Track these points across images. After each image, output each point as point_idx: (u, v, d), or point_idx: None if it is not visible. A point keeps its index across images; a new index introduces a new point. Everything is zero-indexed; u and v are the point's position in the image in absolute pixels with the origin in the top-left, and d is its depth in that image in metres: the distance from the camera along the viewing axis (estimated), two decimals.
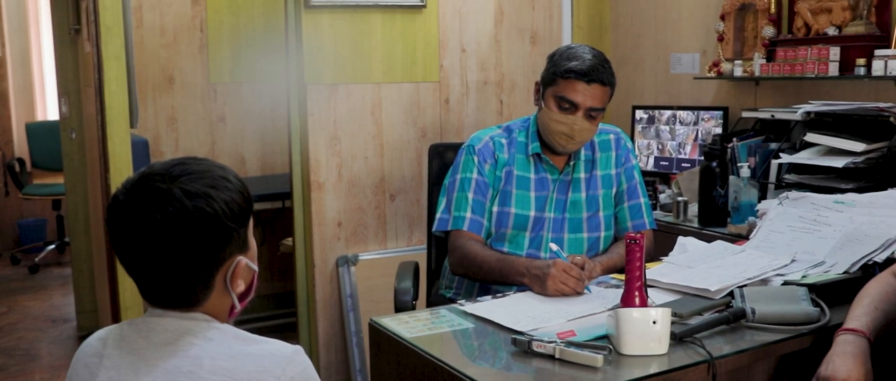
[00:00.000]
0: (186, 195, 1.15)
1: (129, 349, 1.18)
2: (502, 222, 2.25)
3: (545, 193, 2.26)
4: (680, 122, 3.29)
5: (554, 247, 1.99)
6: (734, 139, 2.85)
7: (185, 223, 1.14)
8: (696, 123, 3.24)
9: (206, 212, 1.15)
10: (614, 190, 2.32)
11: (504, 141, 2.30)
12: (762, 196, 2.66)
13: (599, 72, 2.12)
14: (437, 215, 2.30)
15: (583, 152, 2.28)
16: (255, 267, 1.28)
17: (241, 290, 1.25)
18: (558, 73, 2.15)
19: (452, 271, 2.29)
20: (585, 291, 1.89)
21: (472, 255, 2.18)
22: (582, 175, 2.29)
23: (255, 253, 1.28)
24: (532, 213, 2.25)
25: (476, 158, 2.27)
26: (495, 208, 2.26)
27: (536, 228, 2.25)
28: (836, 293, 1.74)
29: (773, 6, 2.96)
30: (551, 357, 1.49)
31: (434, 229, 2.32)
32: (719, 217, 2.72)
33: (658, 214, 3.00)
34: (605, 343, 1.51)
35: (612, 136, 2.35)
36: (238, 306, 1.26)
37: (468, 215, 2.23)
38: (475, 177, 2.25)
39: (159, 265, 1.16)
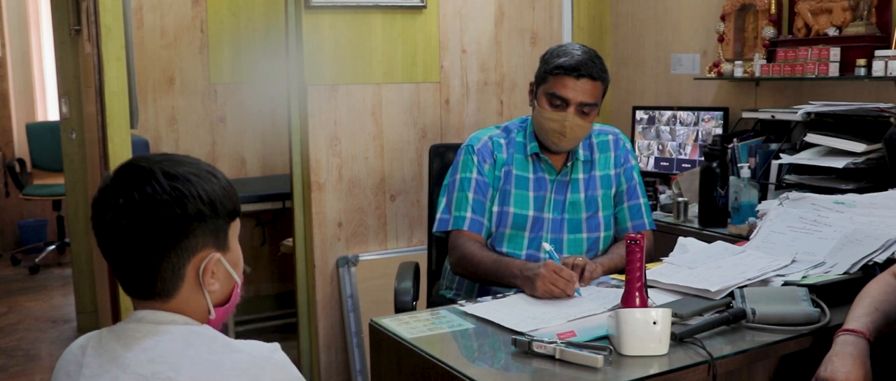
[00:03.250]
0: (166, 176, 1.16)
1: (108, 357, 1.18)
2: (501, 222, 2.26)
3: (543, 193, 2.26)
4: (680, 122, 3.29)
5: (547, 247, 1.98)
6: (734, 140, 2.85)
7: (159, 202, 1.15)
8: (696, 124, 3.24)
9: (183, 193, 1.16)
10: (614, 190, 2.32)
11: (503, 141, 2.30)
12: (762, 197, 2.66)
13: (588, 66, 2.13)
14: (438, 216, 2.30)
15: (581, 152, 2.28)
16: (237, 277, 1.26)
17: (216, 289, 1.23)
18: (548, 70, 2.17)
19: (452, 270, 2.30)
20: (576, 293, 1.88)
21: (470, 255, 2.18)
22: (581, 176, 2.29)
23: (238, 261, 1.27)
24: (530, 213, 2.25)
25: (475, 158, 2.27)
26: (495, 208, 2.26)
27: (535, 228, 2.25)
28: (836, 294, 1.73)
29: (773, 7, 2.96)
30: (551, 358, 1.49)
31: (435, 229, 2.33)
32: (719, 218, 2.72)
33: (658, 214, 3.01)
34: (606, 344, 1.51)
35: (610, 136, 2.35)
36: (213, 314, 1.23)
37: (468, 214, 2.24)
38: (475, 177, 2.26)
39: (132, 246, 1.16)
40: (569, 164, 2.27)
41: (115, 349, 1.18)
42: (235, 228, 1.25)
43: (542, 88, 2.20)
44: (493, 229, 2.27)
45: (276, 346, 1.21)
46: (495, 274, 2.09)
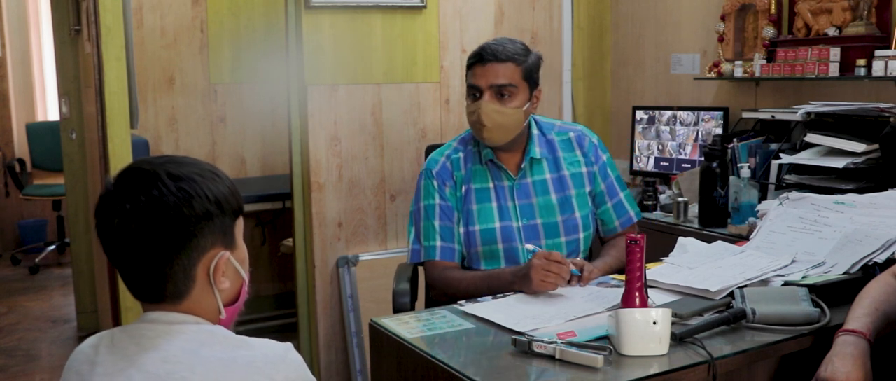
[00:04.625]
0: (171, 178, 1.16)
1: (121, 355, 1.18)
2: (471, 242, 2.21)
3: (504, 202, 2.21)
4: (680, 122, 3.29)
5: (530, 247, 1.96)
6: (734, 140, 2.85)
7: (168, 204, 1.15)
8: (696, 124, 3.24)
9: (189, 193, 1.16)
10: (589, 189, 2.26)
11: (460, 155, 2.26)
12: (762, 197, 2.66)
13: (493, 50, 2.12)
14: (409, 246, 2.27)
15: (537, 150, 2.22)
16: (245, 274, 1.27)
17: (226, 288, 1.23)
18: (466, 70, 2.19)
19: (437, 299, 2.24)
20: (573, 273, 1.89)
21: (455, 281, 2.13)
22: (548, 176, 2.23)
23: (245, 258, 1.28)
24: (497, 224, 2.20)
25: (435, 183, 2.23)
26: (462, 230, 2.22)
27: (506, 238, 2.19)
28: (836, 294, 1.73)
29: (773, 7, 2.96)
30: (551, 358, 1.49)
31: (408, 260, 2.28)
32: (719, 218, 2.72)
33: (658, 214, 3.01)
34: (606, 344, 1.51)
35: (572, 134, 2.29)
36: (223, 313, 1.24)
37: (438, 243, 2.20)
38: (438, 202, 2.22)
39: (142, 250, 1.16)
40: (523, 165, 2.22)
41: (129, 348, 1.18)
42: (240, 225, 1.26)
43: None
44: (465, 251, 2.23)
45: (289, 345, 1.22)
46: (488, 289, 2.02)
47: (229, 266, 1.23)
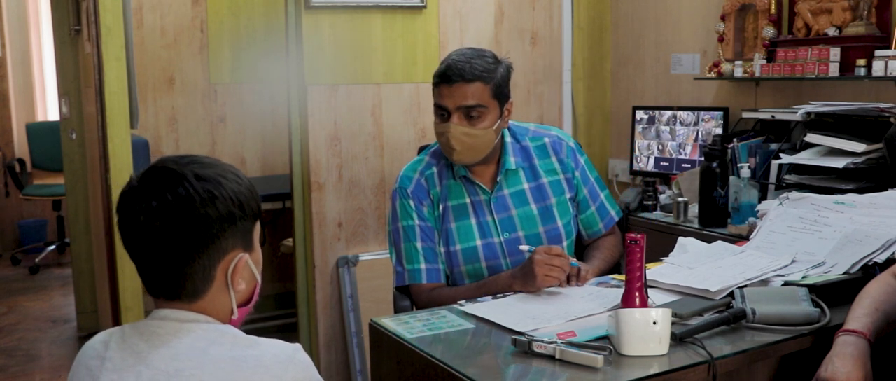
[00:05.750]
0: (197, 178, 1.18)
1: (131, 352, 1.19)
2: (454, 262, 2.14)
3: (483, 218, 2.14)
4: (680, 122, 3.29)
5: (525, 247, 1.94)
6: (734, 140, 2.85)
7: (194, 204, 1.16)
8: (696, 124, 3.24)
9: (214, 195, 1.18)
10: (571, 196, 2.20)
11: (434, 170, 2.16)
12: (762, 197, 2.66)
13: (459, 69, 2.00)
14: (394, 268, 2.18)
15: (512, 159, 2.14)
16: (259, 276, 1.28)
17: (242, 289, 1.25)
18: (432, 84, 2.08)
19: None
20: (571, 264, 1.90)
21: (450, 299, 2.01)
22: (526, 186, 2.16)
23: (260, 260, 1.29)
24: (478, 242, 2.14)
25: (412, 203, 2.14)
26: (443, 249, 2.14)
27: (490, 255, 2.13)
28: (836, 294, 1.73)
29: (773, 7, 2.96)
30: (551, 358, 1.48)
31: (394, 283, 2.19)
32: (719, 218, 2.72)
33: (658, 214, 3.02)
34: (606, 344, 1.51)
35: (546, 140, 2.20)
36: (236, 313, 1.25)
37: (423, 266, 2.12)
38: (417, 223, 2.13)
39: (165, 248, 1.17)
40: (499, 178, 2.14)
41: (139, 344, 1.19)
42: (258, 228, 1.28)
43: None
44: (447, 270, 2.16)
45: (298, 346, 1.23)
46: (487, 296, 1.97)
47: (246, 268, 1.25)
